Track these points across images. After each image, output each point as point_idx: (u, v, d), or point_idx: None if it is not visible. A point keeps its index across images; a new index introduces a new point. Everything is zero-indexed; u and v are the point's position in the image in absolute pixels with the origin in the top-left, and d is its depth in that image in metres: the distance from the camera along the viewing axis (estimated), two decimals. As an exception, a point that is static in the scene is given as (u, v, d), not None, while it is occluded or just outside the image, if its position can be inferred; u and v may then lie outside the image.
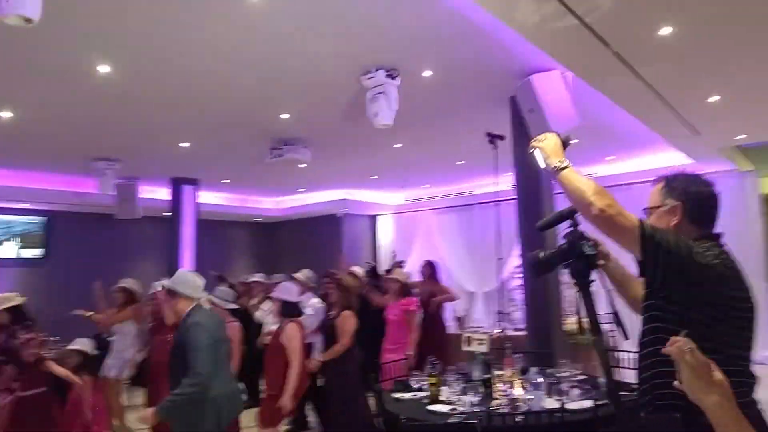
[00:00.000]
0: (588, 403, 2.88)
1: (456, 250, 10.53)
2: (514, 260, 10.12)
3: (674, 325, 1.50)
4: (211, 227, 10.30)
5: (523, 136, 5.14)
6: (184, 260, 8.46)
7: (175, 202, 8.65)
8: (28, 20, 2.66)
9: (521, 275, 9.96)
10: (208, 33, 3.87)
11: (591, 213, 1.68)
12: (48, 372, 3.96)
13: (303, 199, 11.34)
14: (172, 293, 3.18)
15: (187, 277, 3.31)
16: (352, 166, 8.39)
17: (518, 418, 2.62)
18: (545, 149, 1.87)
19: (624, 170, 8.81)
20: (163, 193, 8.96)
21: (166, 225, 9.48)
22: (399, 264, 6.49)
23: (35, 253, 8.88)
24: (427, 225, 11.52)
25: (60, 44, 3.93)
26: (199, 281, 3.31)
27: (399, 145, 7.28)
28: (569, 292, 7.15)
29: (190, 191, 8.69)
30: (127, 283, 5.46)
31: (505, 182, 10.28)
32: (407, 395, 3.45)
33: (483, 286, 10.04)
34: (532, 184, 5.15)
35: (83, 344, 4.27)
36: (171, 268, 8.32)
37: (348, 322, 4.56)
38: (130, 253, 10.19)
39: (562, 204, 1.90)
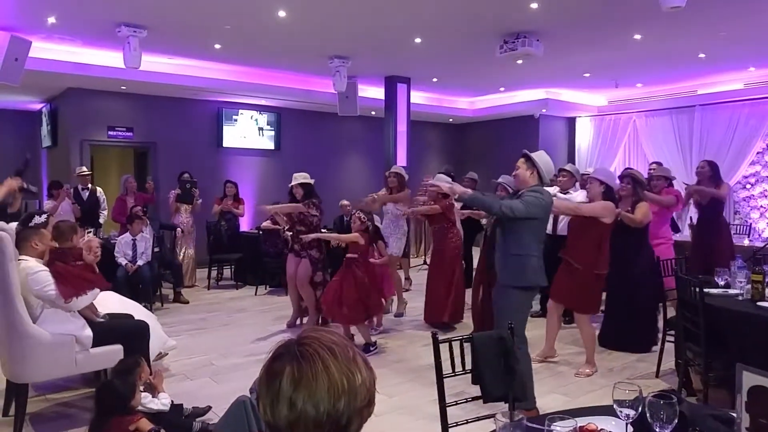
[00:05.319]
0: None
1: (669, 155, 9.69)
2: (744, 168, 9.11)
3: None
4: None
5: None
6: (398, 156, 8.92)
7: (389, 100, 9.00)
8: None
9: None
10: None
11: None
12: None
13: (499, 99, 11.09)
14: (532, 165, 3.37)
15: (550, 163, 3.44)
16: (575, 60, 7.91)
17: None
18: None
19: None
20: (373, 92, 9.36)
21: (375, 123, 10.00)
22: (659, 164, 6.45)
23: (269, 144, 10.02)
24: (634, 128, 10.68)
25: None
26: (553, 171, 3.57)
27: (638, 37, 6.65)
28: None
29: (403, 89, 8.95)
30: (399, 169, 5.97)
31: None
32: (714, 291, 3.40)
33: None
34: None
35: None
36: (387, 162, 8.89)
37: (647, 212, 4.57)
38: (345, 148, 11.05)
39: None
